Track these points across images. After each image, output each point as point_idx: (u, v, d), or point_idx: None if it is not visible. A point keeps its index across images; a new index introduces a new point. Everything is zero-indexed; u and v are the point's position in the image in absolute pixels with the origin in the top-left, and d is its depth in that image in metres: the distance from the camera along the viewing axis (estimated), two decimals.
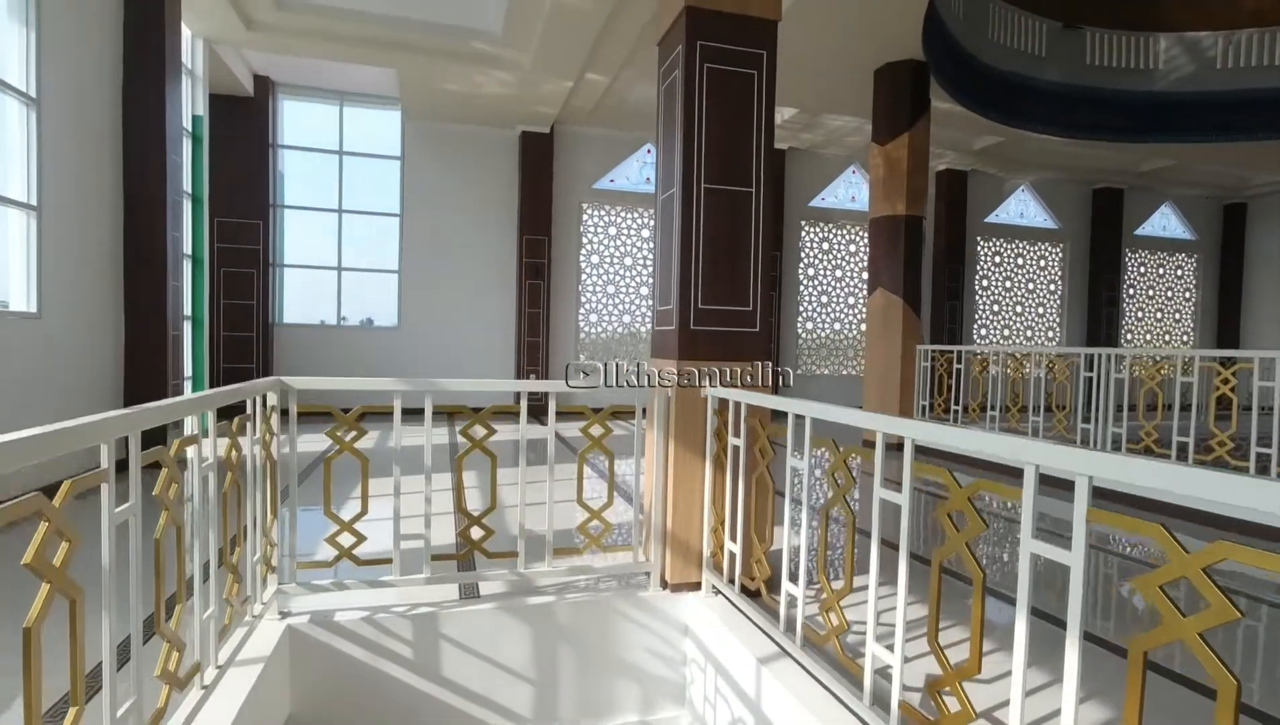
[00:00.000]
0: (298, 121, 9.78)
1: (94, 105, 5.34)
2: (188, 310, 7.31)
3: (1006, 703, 2.16)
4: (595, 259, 10.88)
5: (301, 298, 9.92)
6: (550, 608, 3.01)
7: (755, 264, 3.23)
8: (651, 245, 11.11)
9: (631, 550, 3.24)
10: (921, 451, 2.07)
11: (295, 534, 2.83)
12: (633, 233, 11.05)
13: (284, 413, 2.76)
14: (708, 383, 3.11)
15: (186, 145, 7.11)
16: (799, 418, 2.37)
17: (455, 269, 10.17)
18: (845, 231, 12.24)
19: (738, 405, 2.88)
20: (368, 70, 8.75)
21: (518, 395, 9.08)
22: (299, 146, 9.76)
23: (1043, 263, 13.44)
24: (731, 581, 2.94)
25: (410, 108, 9.45)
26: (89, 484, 1.33)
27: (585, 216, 10.80)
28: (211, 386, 8.13)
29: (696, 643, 3.06)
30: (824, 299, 12.17)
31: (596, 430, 3.06)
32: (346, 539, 2.81)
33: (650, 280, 11.10)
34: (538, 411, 8.99)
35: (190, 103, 7.33)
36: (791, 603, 2.46)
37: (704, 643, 2.98)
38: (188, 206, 7.30)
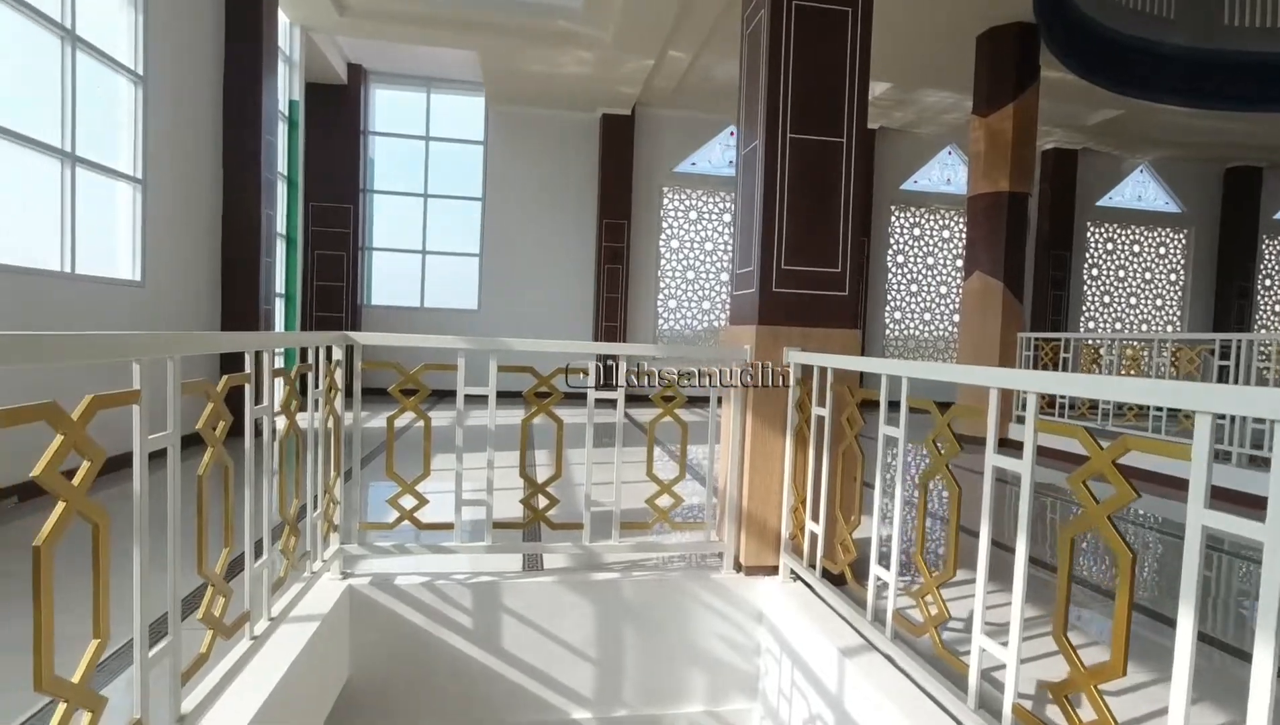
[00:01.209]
0: (387, 108, 10.03)
1: (196, 85, 5.56)
2: (280, 287, 7.60)
3: (1149, 716, 1.85)
4: (675, 244, 10.68)
5: (388, 280, 10.19)
6: (616, 584, 2.84)
7: (845, 221, 2.95)
8: (732, 230, 10.83)
9: (704, 529, 3.03)
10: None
11: (359, 493, 2.76)
12: (714, 217, 10.78)
13: (348, 372, 2.71)
14: (789, 349, 2.86)
15: (282, 129, 7.37)
16: (894, 378, 2.10)
17: (534, 253, 10.20)
18: (939, 216, 11.55)
19: (823, 371, 2.62)
20: (453, 56, 8.87)
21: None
22: (388, 133, 10.01)
23: (1162, 250, 12.28)
24: (812, 566, 2.69)
25: (493, 92, 9.52)
26: (118, 402, 1.23)
27: (665, 201, 10.62)
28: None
29: (772, 631, 2.82)
30: (914, 288, 11.54)
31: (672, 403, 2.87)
32: (408, 502, 2.74)
33: (730, 265, 10.81)
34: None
35: (287, 88, 7.60)
36: (881, 589, 2.20)
37: (780, 631, 2.74)
38: (282, 189, 7.58)
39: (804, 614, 2.56)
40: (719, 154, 10.81)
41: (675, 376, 2.92)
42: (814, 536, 2.66)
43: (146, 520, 1.32)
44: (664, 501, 2.93)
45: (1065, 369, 7.15)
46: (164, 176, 5.07)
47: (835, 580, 2.58)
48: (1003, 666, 1.59)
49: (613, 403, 2.86)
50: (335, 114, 9.31)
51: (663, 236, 10.64)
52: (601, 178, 10.13)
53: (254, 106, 6.01)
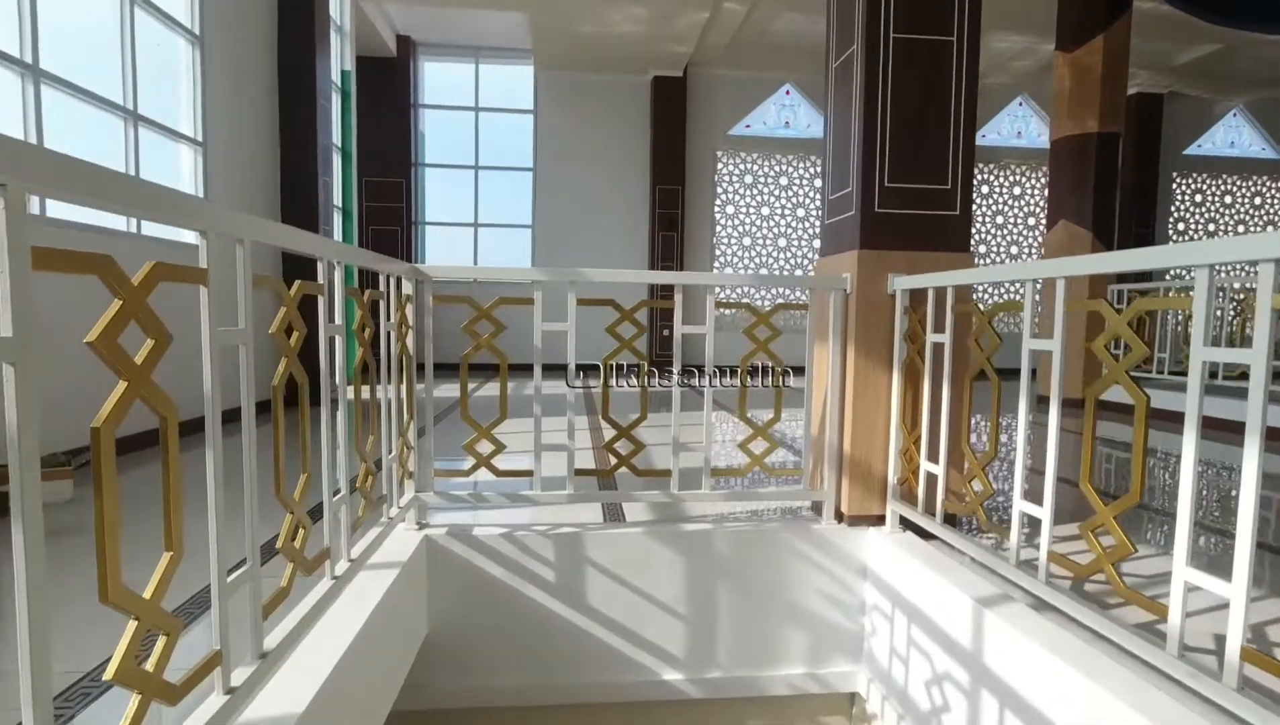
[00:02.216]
0: (437, 81, 9.91)
1: (251, 48, 5.49)
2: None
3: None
4: (730, 210, 10.34)
5: (441, 254, 10.12)
6: (706, 537, 2.62)
7: (957, 131, 2.63)
8: (790, 193, 10.43)
9: (801, 476, 2.78)
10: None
11: (432, 442, 2.60)
12: (770, 181, 10.39)
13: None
14: (895, 276, 2.57)
15: (335, 99, 7.29)
16: (1037, 283, 1.81)
17: (587, 221, 9.99)
18: (1010, 172, 10.90)
19: (940, 293, 2.33)
20: (501, 24, 8.67)
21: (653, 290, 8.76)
22: (438, 105, 9.90)
23: (1258, 200, 11.35)
24: (930, 512, 2.41)
25: (542, 56, 9.29)
26: (183, 277, 1.05)
27: (720, 165, 10.27)
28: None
29: (880, 585, 2.57)
30: (981, 250, 10.93)
31: (762, 332, 2.62)
32: (484, 448, 2.56)
33: (789, 230, 10.41)
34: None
35: (339, 57, 7.52)
36: (1028, 530, 1.92)
37: (891, 585, 2.48)
38: (337, 160, 7.53)
39: (921, 564, 2.29)
40: (774, 115, 10.38)
41: (766, 309, 2.66)
42: (932, 478, 2.38)
43: (219, 423, 1.15)
44: (758, 447, 2.69)
45: (1159, 326, 6.63)
46: (223, 140, 5.01)
47: (955, 525, 2.31)
48: (1215, 608, 1.31)
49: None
50: (385, 87, 9.23)
51: (717, 202, 10.30)
52: (654, 143, 9.83)
53: (308, 72, 5.93)
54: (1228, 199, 11.31)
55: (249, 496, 1.25)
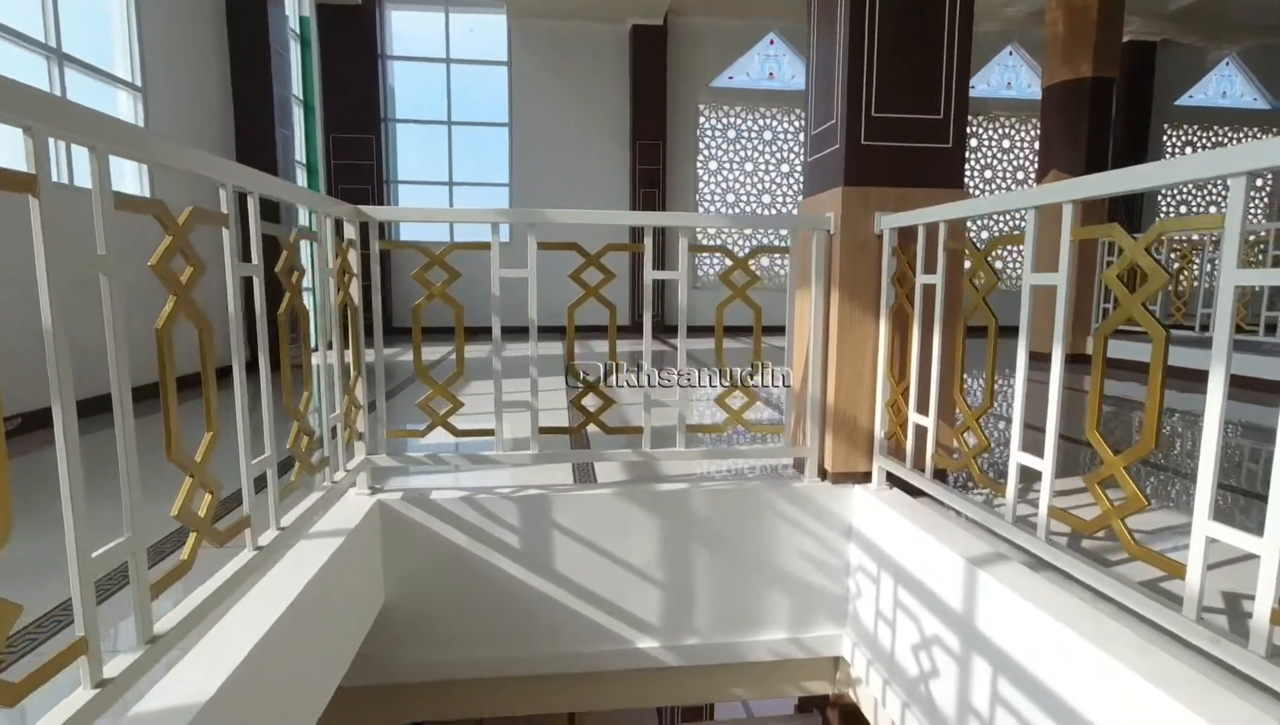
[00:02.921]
0: (405, 30, 9.44)
1: None
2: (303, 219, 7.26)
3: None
4: (713, 165, 10.04)
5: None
6: (682, 497, 2.45)
7: (950, 58, 2.41)
8: (774, 148, 10.13)
9: (782, 432, 2.61)
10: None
11: (383, 398, 2.40)
12: (754, 135, 10.08)
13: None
14: (882, 215, 2.37)
15: (295, 47, 6.91)
16: (1039, 209, 1.63)
17: (565, 178, 9.64)
18: (998, 125, 10.65)
19: (931, 231, 2.14)
20: None
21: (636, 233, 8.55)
22: (407, 56, 9.45)
23: None
24: (920, 468, 2.26)
25: (515, 3, 8.86)
26: (213, 220, 1.12)
27: (702, 119, 9.94)
28: None
29: (865, 546, 2.42)
30: None
31: (739, 280, 2.42)
32: (440, 405, 2.37)
33: (773, 186, 10.14)
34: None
35: (297, 1, 7.10)
36: (1024, 485, 1.76)
37: (877, 545, 2.33)
38: (298, 112, 7.16)
39: (909, 522, 2.14)
40: (757, 65, 10.03)
41: (742, 254, 2.46)
42: (921, 431, 2.23)
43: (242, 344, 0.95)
44: (736, 402, 2.52)
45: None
46: (165, 86, 4.67)
47: (945, 480, 2.16)
48: (1232, 561, 1.15)
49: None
50: (351, 37, 8.76)
51: (700, 158, 9.99)
52: (633, 96, 9.47)
53: (260, 16, 5.55)
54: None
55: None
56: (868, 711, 2.51)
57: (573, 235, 2.27)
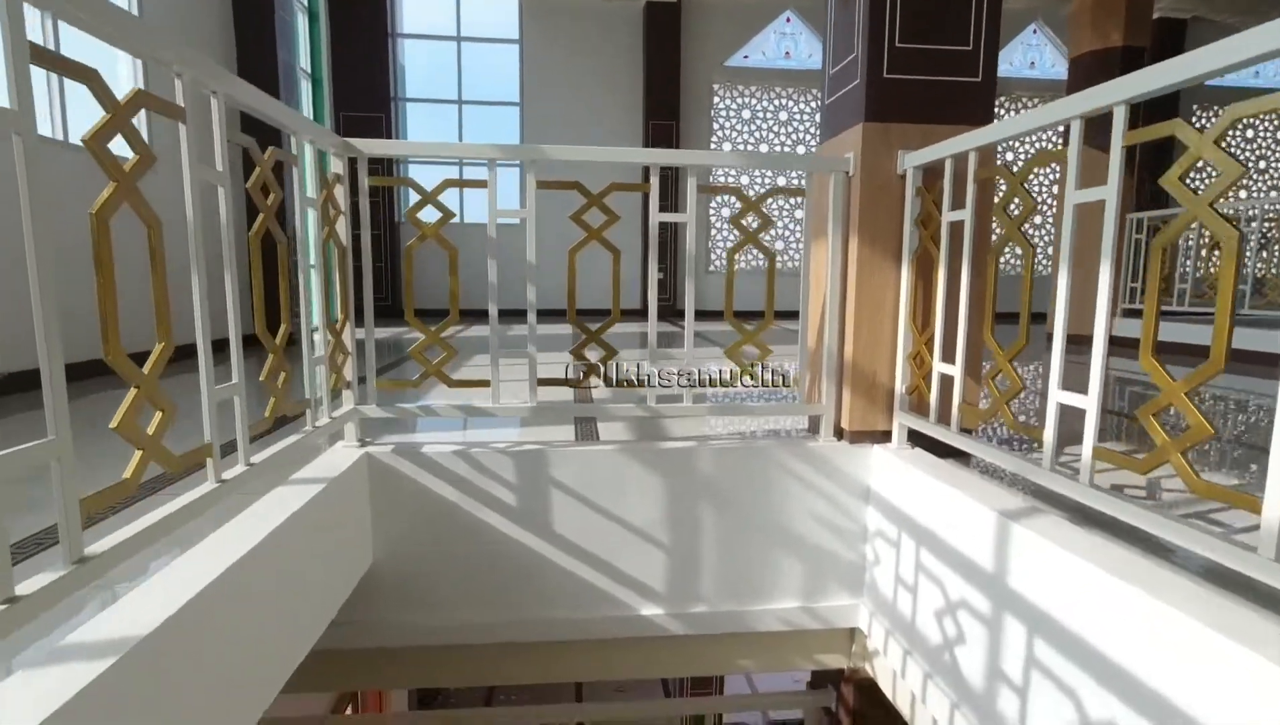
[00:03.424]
0: (416, 7, 9.32)
1: None
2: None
3: None
4: (727, 146, 9.84)
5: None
6: (690, 456, 2.31)
7: None
8: (790, 129, 9.91)
9: (796, 388, 2.45)
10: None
11: (373, 346, 2.27)
12: (769, 116, 9.88)
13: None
14: (905, 153, 2.21)
15: (302, 20, 6.80)
16: (1081, 122, 1.46)
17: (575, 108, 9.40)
18: (1022, 106, 10.37)
19: (959, 164, 1.98)
20: None
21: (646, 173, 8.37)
22: (417, 35, 9.33)
23: None
24: (945, 421, 2.10)
25: None
26: (164, 109, 0.90)
27: (716, 99, 9.75)
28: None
29: (884, 508, 2.27)
30: None
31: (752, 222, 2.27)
32: (434, 356, 2.24)
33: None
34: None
35: None
36: (1066, 430, 1.60)
37: (898, 507, 2.17)
38: (306, 86, 7.07)
39: (933, 479, 1.98)
40: (773, 44, 9.82)
41: (753, 197, 2.31)
42: (947, 381, 2.06)
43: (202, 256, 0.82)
44: (750, 352, 2.37)
45: (1173, 259, 6.25)
46: None
47: (969, 433, 2.00)
48: None
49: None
50: (361, 15, 8.65)
51: (714, 139, 9.80)
52: (647, 75, 9.31)
53: None
54: (1249, 133, 10.79)
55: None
56: (885, 686, 2.36)
57: (577, 177, 2.14)
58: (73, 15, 1.01)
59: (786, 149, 9.91)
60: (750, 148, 9.87)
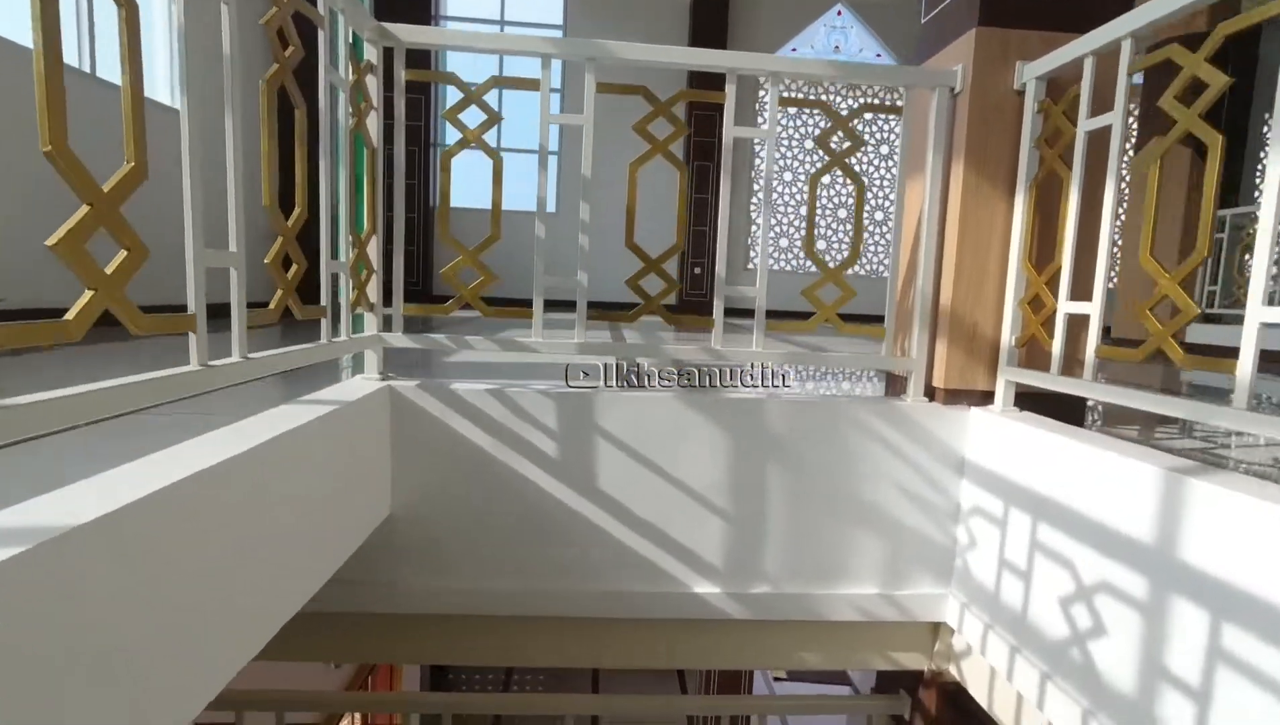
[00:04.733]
0: None
1: None
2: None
3: None
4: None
5: (460, 186, 9.48)
6: (756, 409, 1.99)
7: None
8: None
9: (882, 338, 2.13)
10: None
11: (401, 265, 1.99)
12: (814, 111, 9.55)
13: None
14: (1024, 64, 1.89)
15: None
16: None
17: (617, 146, 9.23)
18: None
19: (1103, 64, 1.65)
20: None
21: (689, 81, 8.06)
22: (460, 17, 9.21)
23: None
24: (1072, 372, 1.76)
25: None
26: None
27: (761, 92, 9.45)
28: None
29: (984, 481, 1.92)
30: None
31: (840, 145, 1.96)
32: (469, 276, 1.96)
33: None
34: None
35: None
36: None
37: (1006, 477, 1.83)
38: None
39: (1068, 439, 1.64)
40: (823, 38, 9.53)
41: (844, 113, 2.01)
42: (1077, 323, 1.72)
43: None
44: (828, 294, 2.05)
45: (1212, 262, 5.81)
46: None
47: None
48: None
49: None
50: (404, 3, 8.53)
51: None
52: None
53: None
54: None
55: None
56: (978, 692, 2.01)
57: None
58: None
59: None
60: (795, 143, 9.57)
